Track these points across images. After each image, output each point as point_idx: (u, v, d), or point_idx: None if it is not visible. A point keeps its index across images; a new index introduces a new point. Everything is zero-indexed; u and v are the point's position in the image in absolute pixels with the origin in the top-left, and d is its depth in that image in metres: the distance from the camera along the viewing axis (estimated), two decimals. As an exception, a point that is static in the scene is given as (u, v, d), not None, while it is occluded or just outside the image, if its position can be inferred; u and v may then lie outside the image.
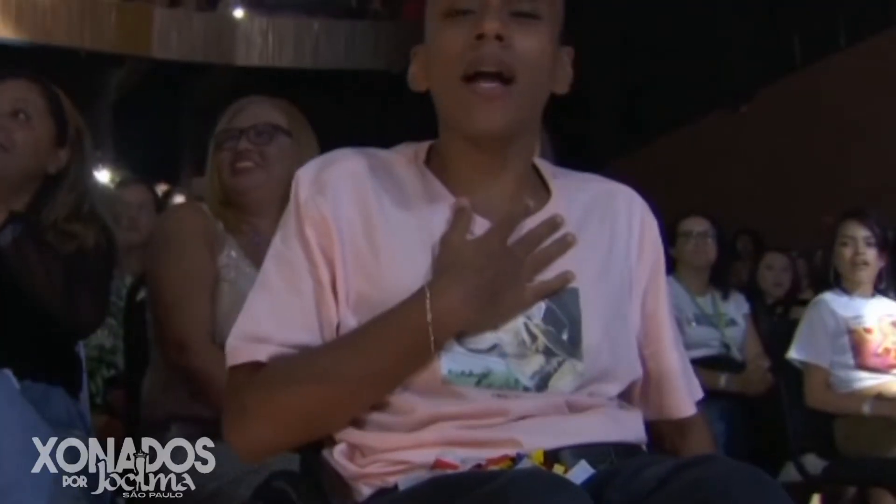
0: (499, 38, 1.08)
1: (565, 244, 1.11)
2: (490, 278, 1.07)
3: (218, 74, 12.53)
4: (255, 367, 1.10)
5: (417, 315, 1.05)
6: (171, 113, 12.96)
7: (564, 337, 1.10)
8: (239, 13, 12.72)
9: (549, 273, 1.11)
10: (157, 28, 11.96)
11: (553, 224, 1.11)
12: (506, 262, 1.08)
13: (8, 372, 1.69)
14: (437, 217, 1.12)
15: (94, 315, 1.84)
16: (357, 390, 1.08)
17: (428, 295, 1.05)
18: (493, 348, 1.08)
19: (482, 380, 1.07)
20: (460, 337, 1.08)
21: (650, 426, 1.22)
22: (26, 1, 11.23)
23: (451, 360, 1.07)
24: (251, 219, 1.92)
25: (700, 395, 1.26)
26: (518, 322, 1.09)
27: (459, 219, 1.10)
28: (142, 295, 2.32)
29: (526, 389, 1.08)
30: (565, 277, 1.11)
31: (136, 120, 12.10)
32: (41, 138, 1.88)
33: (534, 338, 1.09)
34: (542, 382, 1.09)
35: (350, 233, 1.11)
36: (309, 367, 1.08)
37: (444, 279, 1.07)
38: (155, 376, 1.93)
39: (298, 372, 1.08)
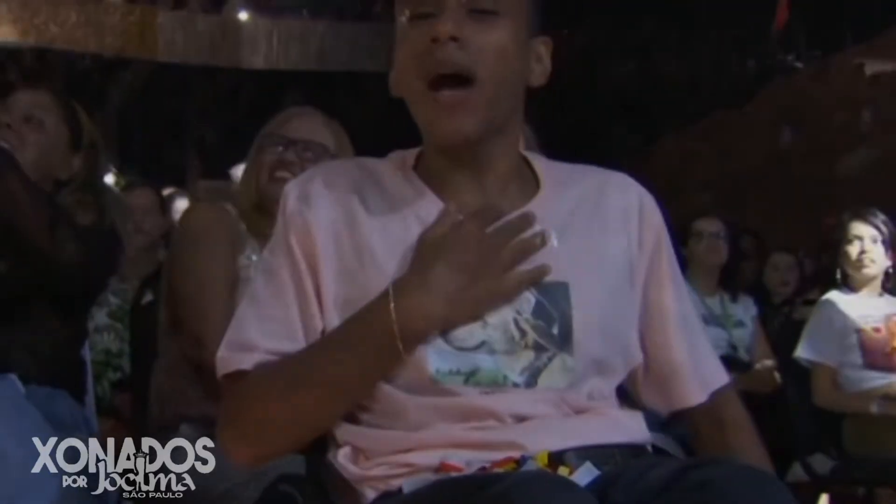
0: (454, 38, 1.07)
1: (541, 238, 1.10)
2: (461, 270, 1.07)
3: (223, 77, 12.55)
4: (243, 376, 1.12)
5: (383, 315, 1.05)
6: (175, 116, 12.99)
7: (555, 331, 1.09)
8: (244, 16, 12.73)
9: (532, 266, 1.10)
10: (161, 31, 11.98)
11: (526, 219, 1.10)
12: (478, 254, 1.07)
13: (13, 376, 1.70)
14: (422, 221, 1.12)
15: (76, 257, 1.80)
16: (333, 395, 1.09)
17: (391, 294, 1.05)
18: (481, 345, 1.08)
19: (470, 377, 1.07)
20: (446, 334, 1.08)
21: (686, 421, 1.20)
22: (30, 4, 11.27)
23: (439, 359, 1.07)
24: None
25: (722, 381, 1.22)
26: (507, 317, 1.09)
27: (440, 220, 1.10)
28: (147, 298, 2.32)
29: (515, 385, 1.08)
30: (542, 269, 1.09)
31: (141, 123, 12.14)
32: (53, 144, 1.92)
33: (523, 333, 1.09)
34: (532, 378, 1.08)
35: (336, 241, 1.11)
36: (284, 375, 1.09)
37: (408, 276, 1.07)
38: (164, 377, 1.94)
39: (275, 381, 1.09)
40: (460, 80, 1.08)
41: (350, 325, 1.08)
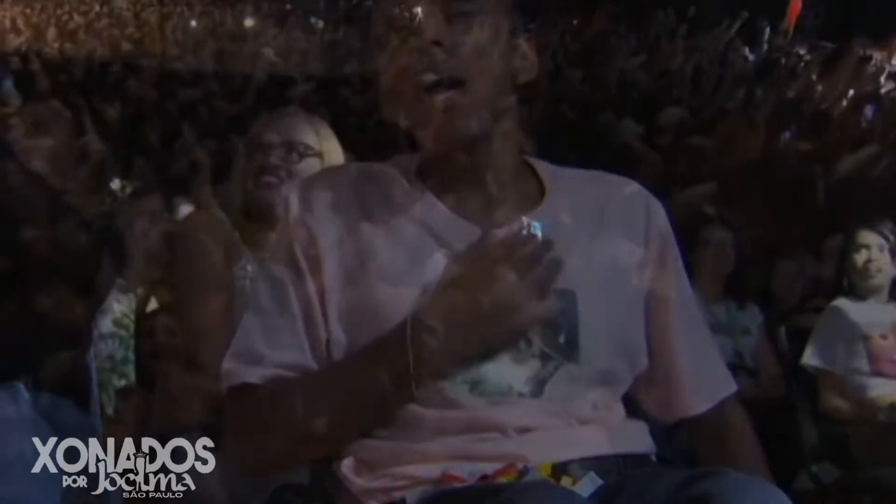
0: (437, 43, 1.07)
1: (555, 266, 1.08)
2: (483, 311, 1.05)
3: (228, 82, 12.57)
4: (250, 388, 1.11)
5: (400, 357, 1.04)
6: (181, 120, 13.01)
7: (561, 340, 1.09)
8: (249, 21, 12.78)
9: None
10: (167, 34, 12.03)
11: (546, 248, 1.08)
12: (502, 294, 1.06)
13: (19, 384, 1.71)
14: (425, 224, 1.12)
15: (80, 245, 1.84)
16: (342, 426, 1.08)
17: (409, 334, 1.04)
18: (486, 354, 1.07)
19: (475, 386, 1.07)
20: None
21: (688, 427, 1.20)
22: (37, 8, 11.37)
23: None
24: (270, 233, 1.92)
25: (727, 390, 1.22)
26: None
27: (473, 249, 1.09)
28: (152, 306, 2.33)
29: (521, 395, 1.07)
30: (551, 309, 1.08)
31: (147, 128, 12.15)
32: (60, 153, 1.96)
33: (529, 342, 1.08)
34: (538, 388, 1.08)
35: (338, 247, 1.11)
36: (296, 404, 1.08)
37: (429, 312, 1.05)
38: (166, 385, 1.94)
39: (286, 409, 1.08)
40: (450, 84, 1.07)
41: (364, 361, 1.07)
